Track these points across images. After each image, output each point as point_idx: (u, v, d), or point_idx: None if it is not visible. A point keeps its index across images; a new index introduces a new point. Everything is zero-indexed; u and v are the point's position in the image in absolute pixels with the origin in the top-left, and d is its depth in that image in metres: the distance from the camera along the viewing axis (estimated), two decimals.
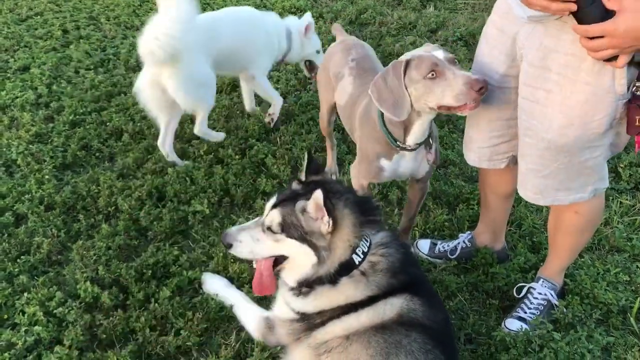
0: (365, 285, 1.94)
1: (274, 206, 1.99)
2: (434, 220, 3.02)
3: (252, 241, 2.00)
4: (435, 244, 2.81)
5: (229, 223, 3.01)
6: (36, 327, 2.34)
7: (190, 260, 2.73)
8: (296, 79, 4.50)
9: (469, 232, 2.83)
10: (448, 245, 2.79)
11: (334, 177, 3.33)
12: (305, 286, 1.99)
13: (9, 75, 4.48)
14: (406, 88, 2.16)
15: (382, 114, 2.35)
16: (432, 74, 2.10)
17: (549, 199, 2.15)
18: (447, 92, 2.08)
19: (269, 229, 1.96)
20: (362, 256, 1.94)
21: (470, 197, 3.17)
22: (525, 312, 2.44)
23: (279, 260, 2.03)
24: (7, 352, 2.24)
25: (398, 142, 2.34)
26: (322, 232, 1.89)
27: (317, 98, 4.13)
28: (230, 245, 2.02)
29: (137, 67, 4.49)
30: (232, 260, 2.70)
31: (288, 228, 1.93)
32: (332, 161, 3.46)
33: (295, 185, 2.07)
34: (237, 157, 3.49)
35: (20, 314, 2.43)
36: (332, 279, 1.95)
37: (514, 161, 2.31)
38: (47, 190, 3.18)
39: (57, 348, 2.24)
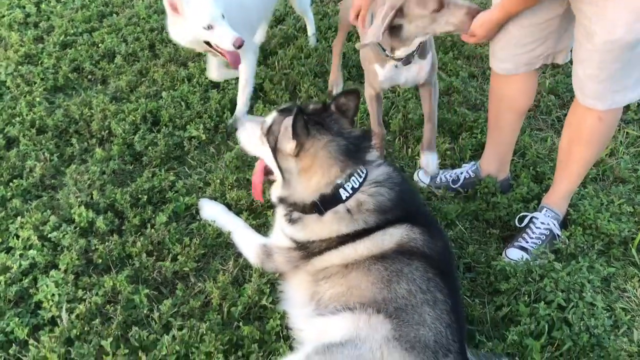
0: (349, 222, 1.98)
1: (278, 110, 2.09)
2: (436, 148, 2.94)
3: (251, 133, 2.16)
4: (437, 174, 2.75)
5: (226, 150, 2.94)
6: (31, 251, 2.30)
7: (186, 187, 2.67)
8: None
9: (473, 162, 2.76)
10: (450, 175, 2.73)
11: (335, 90, 3.37)
12: (287, 207, 2.10)
13: None
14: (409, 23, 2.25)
15: None
16: (438, 7, 2.20)
17: (607, 102, 2.15)
18: (451, 23, 2.22)
19: (262, 127, 2.09)
20: (350, 192, 1.98)
21: (473, 125, 3.09)
22: (527, 242, 2.42)
23: (268, 170, 2.16)
24: (2, 275, 2.21)
25: (386, 52, 2.41)
26: (287, 151, 1.99)
27: (317, 20, 3.98)
28: (236, 129, 2.28)
29: None
30: (229, 186, 2.65)
31: (270, 135, 2.05)
32: (337, 72, 3.40)
33: (314, 105, 2.12)
34: (233, 81, 3.37)
35: (15, 237, 2.39)
36: (313, 209, 2.01)
37: (547, 59, 2.35)
38: (38, 113, 3.09)
39: (52, 272, 2.22)
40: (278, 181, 2.11)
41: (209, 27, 2.66)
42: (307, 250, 2.07)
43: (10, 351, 1.98)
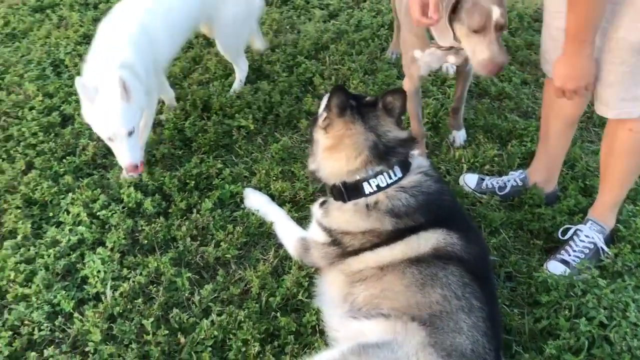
0: (365, 217, 2.03)
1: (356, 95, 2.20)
2: (484, 154, 2.91)
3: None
4: (483, 179, 2.72)
5: (273, 141, 2.97)
6: (80, 227, 2.38)
7: (232, 175, 2.71)
8: None
9: (521, 170, 2.71)
10: (497, 182, 2.69)
11: (392, 58, 3.62)
12: (314, 180, 2.23)
13: None
14: (451, 22, 2.25)
15: None
16: (476, 30, 2.20)
17: (616, 110, 2.12)
18: (475, 53, 2.24)
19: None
20: (374, 189, 2.02)
21: (524, 133, 3.04)
22: (570, 255, 2.37)
23: None
24: (52, 248, 2.29)
25: (434, 41, 2.48)
26: (319, 122, 2.12)
27: (370, 18, 3.98)
28: None
29: None
30: (274, 178, 2.68)
31: (325, 107, 2.12)
32: (395, 42, 3.58)
33: (370, 98, 2.17)
34: (284, 74, 3.40)
35: (65, 213, 2.47)
36: (336, 194, 2.10)
37: None
38: None
39: (99, 249, 2.29)
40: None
41: (110, 139, 2.37)
42: (341, 247, 2.09)
43: (56, 322, 2.06)
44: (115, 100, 2.27)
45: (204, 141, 2.89)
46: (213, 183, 2.66)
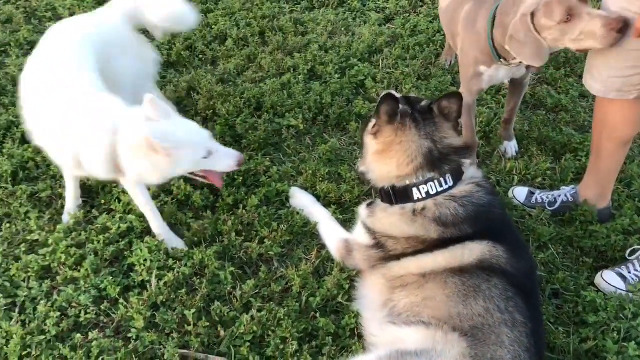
0: (410, 223, 2.01)
1: (403, 96, 2.19)
2: (536, 167, 2.84)
3: None
4: (533, 193, 2.66)
5: (321, 142, 2.98)
6: (130, 216, 2.44)
7: (280, 173, 2.73)
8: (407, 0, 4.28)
9: (573, 186, 2.64)
10: (547, 197, 2.63)
11: (447, 65, 3.59)
12: (365, 182, 2.23)
13: None
14: (539, 34, 2.19)
15: (491, 30, 2.40)
16: (568, 17, 2.09)
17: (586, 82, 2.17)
18: (586, 36, 2.09)
19: None
20: (423, 195, 2.01)
21: (579, 147, 2.95)
22: (629, 272, 2.29)
23: None
24: (102, 234, 2.36)
25: (502, 60, 2.45)
26: (369, 128, 2.13)
27: (426, 23, 3.94)
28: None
29: None
30: (320, 178, 2.69)
31: (375, 113, 2.11)
32: (448, 49, 3.55)
33: (425, 102, 2.14)
34: (336, 75, 3.40)
35: (117, 201, 2.54)
36: (384, 196, 2.10)
37: None
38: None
39: (147, 238, 2.34)
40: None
41: (208, 154, 2.09)
42: (383, 250, 2.07)
43: (102, 307, 2.12)
44: (182, 119, 2.14)
45: (253, 138, 2.92)
46: (260, 180, 2.69)
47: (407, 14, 4.16)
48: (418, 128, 2.05)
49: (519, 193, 2.68)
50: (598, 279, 2.31)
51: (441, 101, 2.09)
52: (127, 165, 2.02)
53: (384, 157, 2.08)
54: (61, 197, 2.56)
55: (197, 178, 2.23)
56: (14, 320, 2.08)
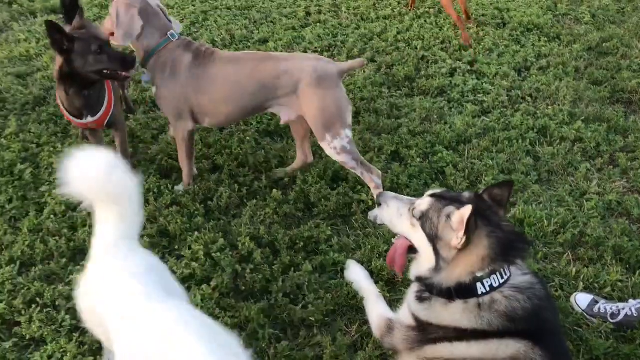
0: (475, 317, 1.89)
1: (431, 195, 2.05)
2: (607, 276, 2.70)
3: (396, 212, 2.11)
4: (597, 302, 2.53)
5: None
6: (194, 264, 2.66)
7: (340, 244, 2.84)
8: (507, 96, 4.32)
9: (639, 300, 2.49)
10: (611, 308, 2.48)
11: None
12: (422, 286, 2.04)
13: (249, 44, 4.99)
14: None
15: None
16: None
17: None
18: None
19: (414, 211, 2.03)
20: (487, 289, 1.90)
21: None
22: None
23: (413, 249, 2.10)
24: None
25: None
26: (451, 244, 1.91)
27: (521, 119, 3.94)
28: (379, 204, 2.18)
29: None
30: (377, 255, 2.75)
31: (426, 221, 1.98)
32: None
33: (468, 194, 2.07)
34: (418, 159, 3.50)
35: (187, 248, 2.77)
36: (445, 294, 1.95)
37: None
38: (244, 149, 3.53)
39: (204, 286, 2.52)
40: (420, 261, 2.09)
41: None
42: (424, 334, 2.04)
43: None
44: None
45: (324, 208, 3.06)
46: (319, 248, 2.81)
47: (505, 109, 4.18)
48: (487, 220, 1.97)
49: (582, 299, 2.56)
50: None
51: (492, 189, 2.07)
52: None
53: (462, 260, 1.96)
54: (141, 238, 2.85)
55: None
56: (73, 341, 2.32)
